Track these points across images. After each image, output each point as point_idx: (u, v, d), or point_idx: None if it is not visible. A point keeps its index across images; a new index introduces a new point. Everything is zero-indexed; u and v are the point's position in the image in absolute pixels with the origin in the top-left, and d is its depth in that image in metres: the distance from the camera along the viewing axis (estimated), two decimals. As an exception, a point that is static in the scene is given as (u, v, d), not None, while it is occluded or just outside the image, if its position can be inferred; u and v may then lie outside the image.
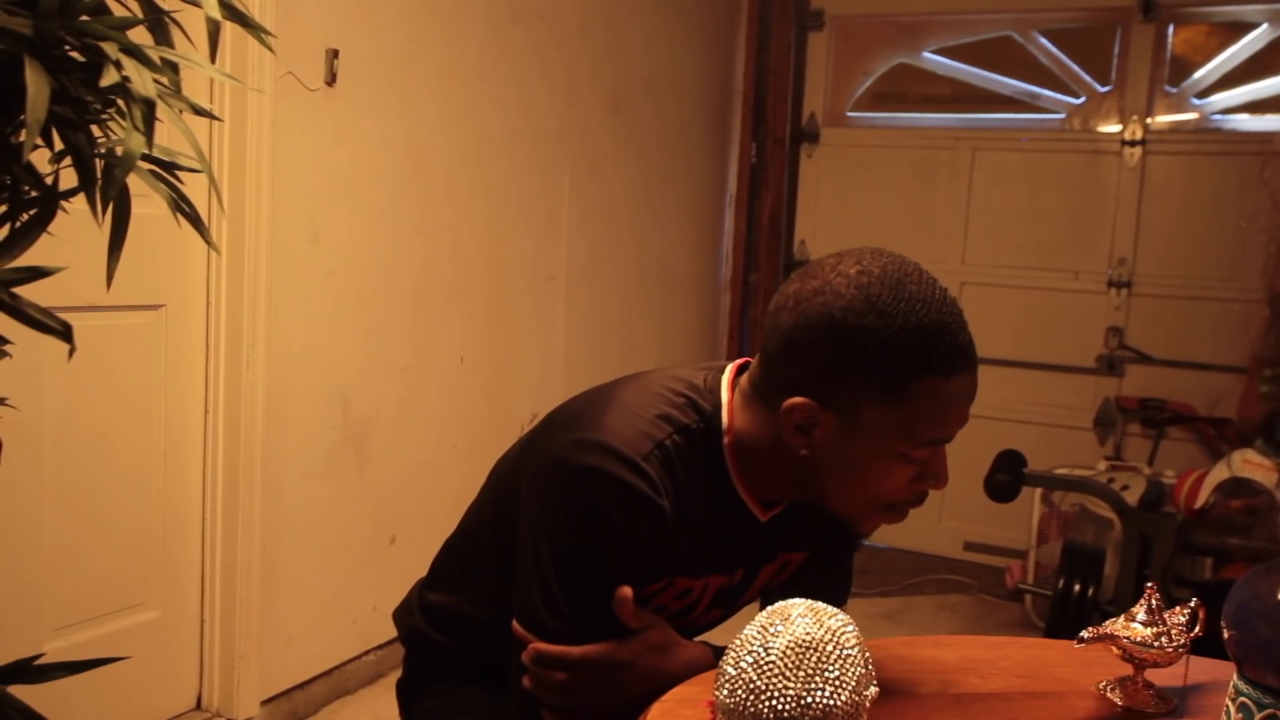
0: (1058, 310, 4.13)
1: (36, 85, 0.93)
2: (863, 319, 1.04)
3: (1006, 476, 2.96)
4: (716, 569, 1.22)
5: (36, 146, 0.96)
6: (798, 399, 1.08)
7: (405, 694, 1.39)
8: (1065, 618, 2.92)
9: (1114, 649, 1.07)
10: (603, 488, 1.08)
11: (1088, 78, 4.12)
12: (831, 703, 0.89)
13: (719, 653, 1.15)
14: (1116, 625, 1.07)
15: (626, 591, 1.09)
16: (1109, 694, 1.10)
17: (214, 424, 2.45)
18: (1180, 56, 4.02)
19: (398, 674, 1.42)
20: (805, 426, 1.09)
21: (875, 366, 1.04)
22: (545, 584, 1.10)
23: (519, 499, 1.17)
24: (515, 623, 1.13)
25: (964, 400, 1.08)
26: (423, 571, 1.41)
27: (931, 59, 4.38)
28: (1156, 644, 1.05)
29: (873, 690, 0.93)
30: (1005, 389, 4.17)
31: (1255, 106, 3.89)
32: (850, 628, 0.94)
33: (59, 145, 1.06)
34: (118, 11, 1.08)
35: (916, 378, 1.04)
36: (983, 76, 4.30)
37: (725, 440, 1.16)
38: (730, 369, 1.20)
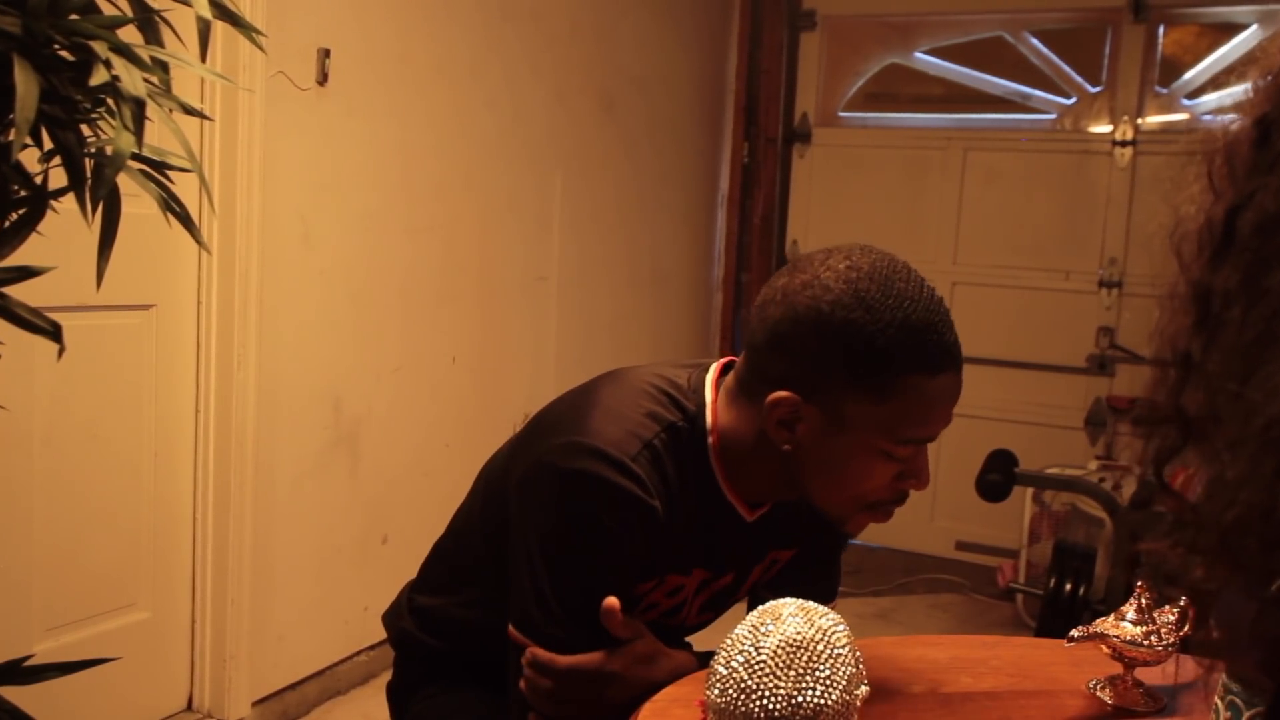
0: (1049, 310, 4.14)
1: (25, 84, 0.93)
2: (850, 314, 1.04)
3: (998, 476, 2.97)
4: (705, 565, 1.22)
5: (26, 146, 0.96)
6: (782, 393, 1.08)
7: (396, 697, 1.38)
8: (1056, 617, 2.93)
9: (1104, 648, 1.08)
10: (592, 490, 1.08)
11: (1078, 78, 4.13)
12: (822, 702, 0.89)
13: (704, 659, 1.15)
14: (1107, 624, 1.08)
15: (613, 603, 1.08)
16: (1099, 693, 1.10)
17: (205, 424, 2.44)
18: (1170, 57, 4.03)
19: (389, 675, 1.41)
20: (789, 421, 1.09)
21: (861, 362, 1.04)
22: (539, 589, 1.10)
23: (508, 503, 1.17)
24: (511, 627, 1.13)
25: (948, 399, 1.08)
26: (414, 572, 1.40)
27: (923, 59, 4.39)
28: (1146, 643, 1.06)
29: (863, 689, 0.94)
30: (997, 389, 4.17)
31: (1245, 107, 3.89)
32: (841, 627, 0.94)
33: (48, 144, 1.05)
34: (107, 10, 1.07)
35: (902, 375, 1.04)
36: (974, 77, 4.31)
37: (710, 440, 1.16)
38: (714, 368, 1.20)
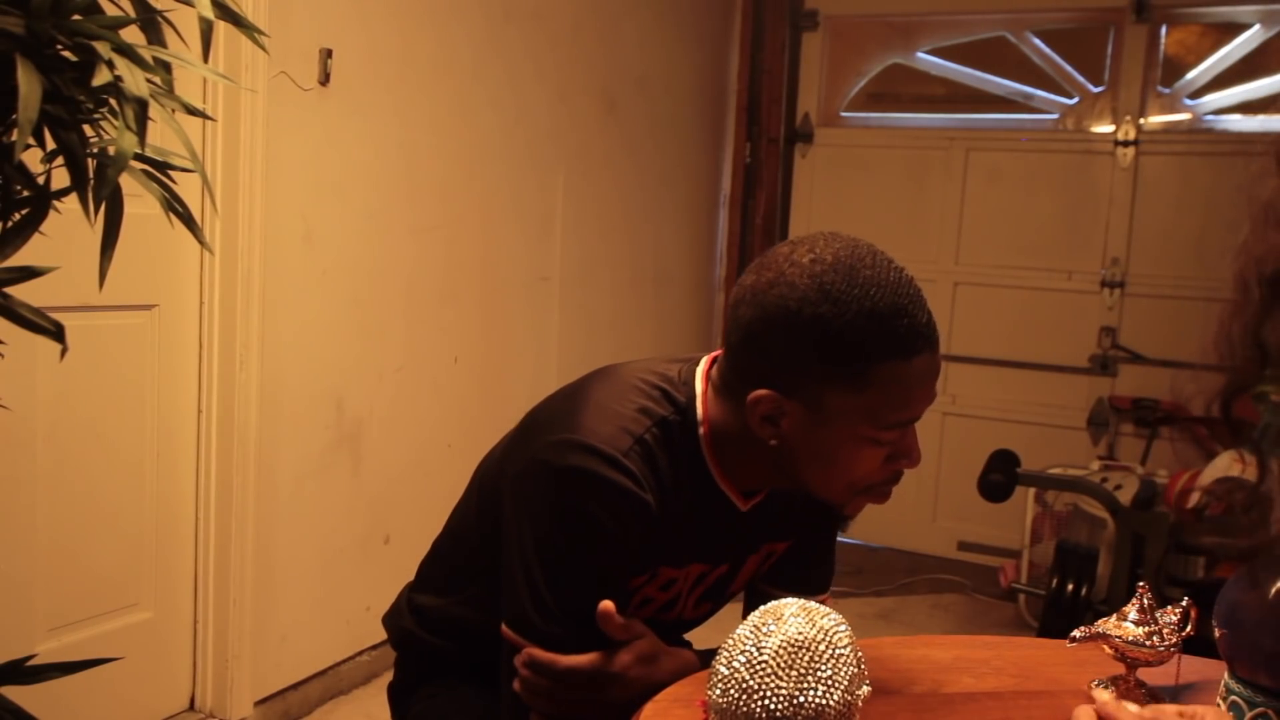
0: (1051, 310, 4.14)
1: (28, 84, 0.93)
2: (818, 309, 1.04)
3: (1000, 476, 2.97)
4: (700, 558, 1.22)
5: (28, 146, 0.96)
6: (761, 391, 1.09)
7: (397, 696, 1.39)
8: (1058, 617, 2.93)
9: (1106, 648, 1.08)
10: (586, 486, 1.08)
11: (1081, 78, 4.13)
12: (824, 702, 0.89)
13: (705, 657, 1.15)
14: (1109, 624, 1.07)
15: (609, 606, 1.08)
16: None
17: (207, 424, 2.45)
18: (1173, 57, 4.03)
19: (391, 675, 1.41)
20: (772, 417, 1.10)
21: (834, 355, 1.05)
22: (534, 587, 1.10)
23: (502, 501, 1.17)
24: (505, 627, 1.13)
25: (927, 380, 1.08)
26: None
27: (925, 59, 4.38)
28: (1148, 643, 1.06)
29: (865, 689, 0.94)
30: (999, 389, 4.17)
31: (1247, 107, 3.90)
32: (843, 627, 0.94)
33: (51, 145, 1.05)
34: (110, 10, 1.07)
35: (877, 362, 1.05)
36: (976, 77, 4.31)
37: (701, 431, 1.16)
38: (705, 360, 1.21)
